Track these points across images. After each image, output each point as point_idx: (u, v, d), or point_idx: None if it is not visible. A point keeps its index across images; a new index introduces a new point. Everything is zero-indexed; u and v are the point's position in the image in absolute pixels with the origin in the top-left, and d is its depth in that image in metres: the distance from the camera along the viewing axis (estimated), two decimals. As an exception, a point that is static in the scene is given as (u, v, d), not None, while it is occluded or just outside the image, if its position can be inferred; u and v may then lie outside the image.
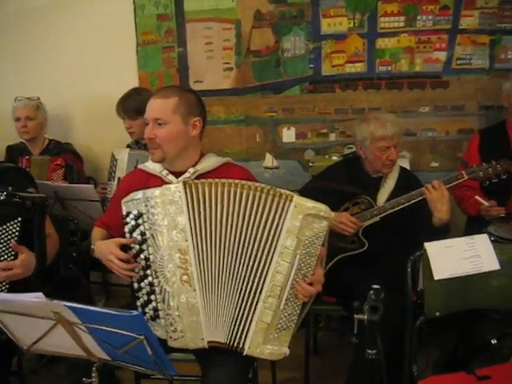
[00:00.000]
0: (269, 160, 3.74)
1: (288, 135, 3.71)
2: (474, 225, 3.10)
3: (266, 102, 3.71)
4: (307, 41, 3.59)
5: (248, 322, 1.88)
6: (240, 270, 1.88)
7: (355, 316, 1.49)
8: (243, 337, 1.89)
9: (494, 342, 3.03)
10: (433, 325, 3.34)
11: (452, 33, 3.45)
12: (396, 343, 2.31)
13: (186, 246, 1.88)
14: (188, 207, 1.88)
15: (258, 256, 1.86)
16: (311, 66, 3.61)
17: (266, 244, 1.86)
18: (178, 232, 1.88)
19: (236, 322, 1.89)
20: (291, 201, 1.84)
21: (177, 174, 2.12)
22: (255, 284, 1.87)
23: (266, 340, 1.88)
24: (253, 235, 1.87)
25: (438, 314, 2.17)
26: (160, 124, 2.05)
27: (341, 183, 2.77)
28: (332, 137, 3.64)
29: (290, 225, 1.83)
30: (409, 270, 2.16)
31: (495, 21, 3.41)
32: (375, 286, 1.53)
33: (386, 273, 2.51)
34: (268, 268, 1.85)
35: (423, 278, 2.14)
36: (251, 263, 1.87)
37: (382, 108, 3.54)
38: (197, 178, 2.08)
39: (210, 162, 2.16)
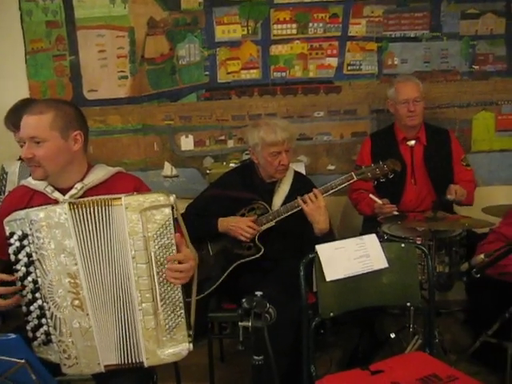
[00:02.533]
0: (168, 169, 3.69)
1: (186, 143, 3.68)
2: (369, 225, 3.22)
3: (163, 111, 3.66)
4: (202, 48, 3.59)
5: (135, 335, 1.85)
6: (115, 287, 1.84)
7: (240, 323, 1.49)
8: (137, 351, 1.85)
9: (392, 335, 3.16)
10: (336, 324, 3.44)
11: (342, 40, 3.58)
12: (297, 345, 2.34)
13: (75, 270, 1.81)
14: (75, 229, 1.80)
15: (120, 269, 1.83)
16: (207, 73, 3.61)
17: (121, 255, 1.82)
18: (66, 256, 1.80)
19: (125, 339, 1.85)
20: (120, 204, 1.80)
21: (63, 191, 2.01)
22: (126, 297, 1.84)
23: (161, 344, 1.85)
24: (114, 250, 1.83)
25: (332, 314, 2.22)
26: (37, 142, 1.93)
27: (236, 190, 2.78)
28: (230, 143, 3.66)
29: (129, 227, 1.80)
30: (302, 273, 2.18)
31: (381, 29, 3.57)
32: (258, 293, 1.53)
33: (284, 277, 2.54)
34: (129, 277, 1.82)
35: (316, 280, 2.18)
36: (119, 278, 1.83)
37: (277, 113, 3.60)
38: (86, 192, 2.00)
39: (99, 174, 2.07)
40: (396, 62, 3.60)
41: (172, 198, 1.80)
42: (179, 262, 1.84)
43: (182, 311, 1.86)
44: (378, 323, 3.39)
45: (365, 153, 3.37)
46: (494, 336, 3.00)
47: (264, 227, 2.69)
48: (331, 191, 2.65)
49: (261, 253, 2.67)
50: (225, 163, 3.52)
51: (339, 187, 2.64)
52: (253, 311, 1.44)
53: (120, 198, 1.81)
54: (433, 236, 2.71)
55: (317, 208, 2.57)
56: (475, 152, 3.67)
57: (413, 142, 3.30)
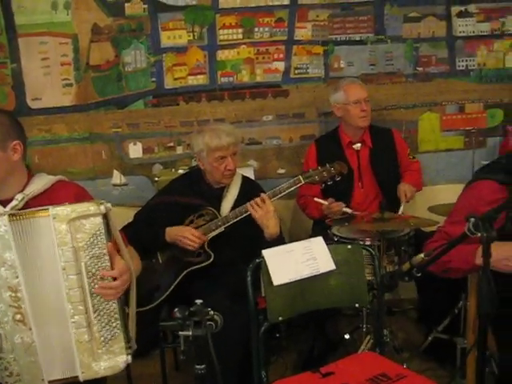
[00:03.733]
0: (117, 177, 3.63)
1: (135, 151, 3.63)
2: (319, 228, 3.23)
3: (110, 118, 3.59)
4: (148, 54, 3.54)
5: (70, 348, 1.80)
6: (53, 300, 1.78)
7: (180, 333, 1.46)
8: (73, 364, 1.80)
9: (346, 336, 3.18)
10: (291, 327, 3.44)
11: (288, 44, 3.59)
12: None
13: (16, 283, 1.74)
14: (15, 241, 1.74)
15: (54, 281, 1.78)
16: (153, 79, 3.57)
17: (53, 267, 1.77)
18: (6, 269, 1.74)
19: (62, 352, 1.80)
20: (47, 215, 1.76)
21: (4, 202, 1.94)
22: (59, 309, 1.78)
23: (97, 357, 1.80)
24: (48, 262, 1.77)
25: (281, 318, 2.21)
26: None
27: (184, 196, 2.75)
28: (179, 150, 3.61)
29: (58, 238, 1.75)
30: (249, 278, 2.17)
31: (327, 32, 3.60)
32: (198, 301, 1.51)
33: (234, 283, 2.52)
34: (60, 289, 1.77)
35: (263, 284, 2.17)
36: (54, 290, 1.78)
37: (226, 119, 3.59)
38: (27, 202, 1.93)
39: (40, 183, 2.01)
40: (342, 65, 3.64)
41: (103, 207, 1.75)
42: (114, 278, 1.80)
43: (119, 322, 1.81)
44: (331, 324, 3.42)
45: (310, 159, 3.37)
46: (444, 332, 3.07)
47: (213, 234, 2.66)
48: (279, 195, 2.64)
49: (211, 260, 2.64)
50: (174, 170, 3.48)
51: (287, 191, 2.64)
52: (193, 320, 1.41)
53: (47, 209, 1.76)
54: (381, 236, 2.74)
55: (266, 213, 2.56)
56: (422, 152, 3.74)
57: (359, 145, 3.33)
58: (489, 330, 2.23)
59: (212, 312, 1.63)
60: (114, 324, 1.81)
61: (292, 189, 2.65)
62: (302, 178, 2.65)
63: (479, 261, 1.95)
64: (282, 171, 3.69)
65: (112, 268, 1.79)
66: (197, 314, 1.44)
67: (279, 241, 2.62)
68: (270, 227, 2.57)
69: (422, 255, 1.66)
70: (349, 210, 3.07)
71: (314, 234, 3.27)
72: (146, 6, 3.49)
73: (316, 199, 3.08)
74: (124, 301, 1.86)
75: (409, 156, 3.46)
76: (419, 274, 1.69)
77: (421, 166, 3.53)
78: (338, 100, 3.33)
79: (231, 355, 2.34)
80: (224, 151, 2.67)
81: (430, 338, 3.11)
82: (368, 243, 2.88)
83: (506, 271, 1.94)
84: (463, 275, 2.23)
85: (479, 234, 1.42)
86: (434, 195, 3.61)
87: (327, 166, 2.67)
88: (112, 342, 1.81)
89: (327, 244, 2.40)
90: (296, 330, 3.46)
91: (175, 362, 3.23)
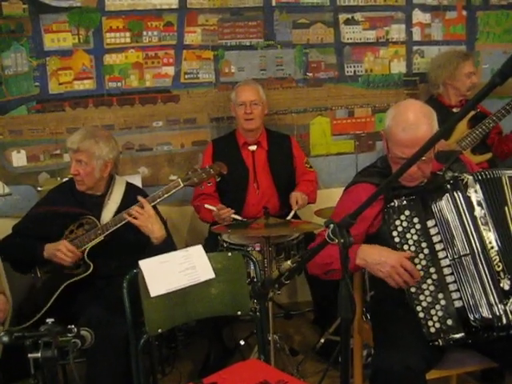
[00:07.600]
0: (-1, 187, 3.43)
1: (18, 159, 3.43)
2: (213, 234, 3.20)
3: (-11, 125, 3.39)
4: (30, 57, 3.36)
5: None
6: None
7: (29, 355, 1.37)
8: None
9: (242, 343, 3.16)
10: (188, 335, 3.39)
11: (178, 48, 3.54)
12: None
13: None
14: None
15: None
16: (37, 84, 3.39)
17: None
18: None
19: None
20: None
21: None
22: None
23: None
24: None
25: (160, 330, 2.15)
26: None
27: (62, 205, 2.62)
28: (66, 157, 3.43)
29: None
30: (125, 290, 2.10)
31: (217, 37, 3.58)
32: (49, 320, 1.43)
33: (115, 295, 2.43)
34: None
35: (141, 296, 2.10)
36: None
37: (115, 125, 3.49)
38: None
39: None
40: (233, 70, 3.63)
41: None
42: None
43: None
44: (227, 331, 3.39)
45: (206, 158, 3.35)
46: (335, 333, 3.12)
47: (92, 243, 2.53)
48: (159, 200, 2.55)
49: (89, 271, 2.52)
50: (59, 178, 3.33)
51: (166, 195, 2.54)
52: (42, 340, 1.33)
53: None
54: (267, 242, 2.74)
55: (147, 218, 2.47)
56: (314, 156, 3.80)
57: (254, 147, 3.35)
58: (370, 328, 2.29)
59: (75, 329, 1.55)
60: None
61: (172, 192, 2.56)
62: (181, 181, 2.58)
63: (359, 261, 2.00)
64: (173, 177, 3.60)
65: None
66: (48, 334, 1.35)
67: (168, 243, 2.55)
68: (155, 231, 2.49)
69: (288, 262, 1.65)
70: (238, 217, 3.06)
71: (208, 241, 3.24)
72: (25, 6, 3.31)
73: (206, 205, 3.05)
74: None
75: (305, 164, 3.50)
76: (288, 282, 1.69)
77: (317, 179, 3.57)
78: (232, 100, 3.37)
79: (110, 370, 2.25)
80: (71, 153, 2.61)
81: (322, 340, 3.16)
82: (258, 249, 2.88)
83: (380, 276, 1.98)
84: (345, 276, 2.26)
85: (336, 241, 1.43)
86: (328, 198, 3.65)
87: (206, 167, 2.62)
88: None
89: (216, 251, 2.35)
90: (193, 338, 3.41)
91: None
